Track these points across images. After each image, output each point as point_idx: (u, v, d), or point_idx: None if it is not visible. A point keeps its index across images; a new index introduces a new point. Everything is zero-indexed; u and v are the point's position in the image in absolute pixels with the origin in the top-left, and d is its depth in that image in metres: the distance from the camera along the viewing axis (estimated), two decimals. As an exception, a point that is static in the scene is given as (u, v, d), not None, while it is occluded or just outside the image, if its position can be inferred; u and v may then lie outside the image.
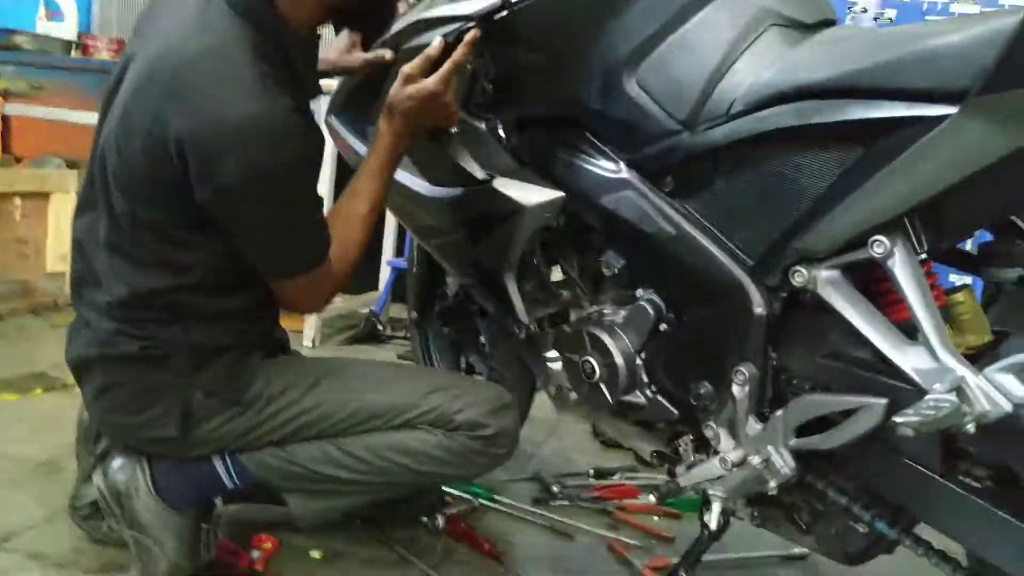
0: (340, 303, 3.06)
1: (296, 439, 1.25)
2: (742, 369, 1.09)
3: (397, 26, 1.38)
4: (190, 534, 1.27)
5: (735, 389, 1.10)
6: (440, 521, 1.55)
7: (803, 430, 1.03)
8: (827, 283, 0.99)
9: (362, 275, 3.31)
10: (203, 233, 1.15)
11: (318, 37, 1.29)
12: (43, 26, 3.38)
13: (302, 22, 1.17)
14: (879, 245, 0.93)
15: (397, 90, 1.23)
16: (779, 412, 1.06)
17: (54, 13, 3.37)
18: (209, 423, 1.22)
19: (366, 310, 3.17)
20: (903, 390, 0.92)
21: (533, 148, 1.29)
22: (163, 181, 1.10)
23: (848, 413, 0.97)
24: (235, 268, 1.19)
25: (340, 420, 1.24)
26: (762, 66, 1.05)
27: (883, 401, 0.93)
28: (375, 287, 3.31)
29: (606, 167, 1.20)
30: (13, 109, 3.18)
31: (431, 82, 1.21)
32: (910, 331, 0.94)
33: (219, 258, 1.18)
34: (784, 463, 1.06)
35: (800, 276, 1.01)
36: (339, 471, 1.25)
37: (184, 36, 1.09)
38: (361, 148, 1.52)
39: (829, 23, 1.16)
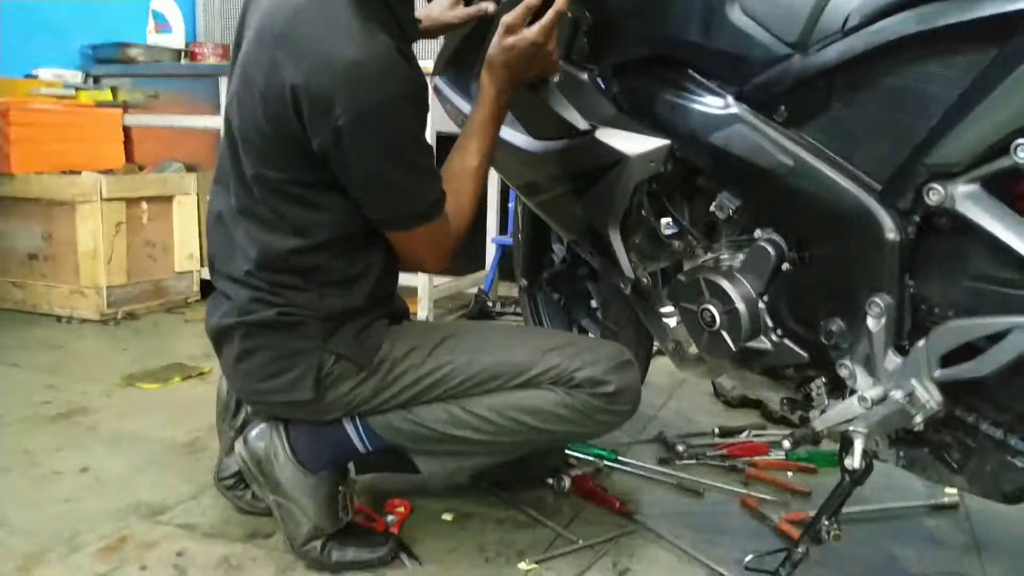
0: (449, 283, 3.10)
1: (421, 400, 1.28)
2: (877, 300, 1.03)
3: None
4: (328, 496, 1.30)
5: (870, 322, 1.04)
6: (566, 482, 1.55)
7: (948, 359, 0.97)
8: (966, 198, 0.92)
9: (468, 254, 3.35)
10: (327, 192, 1.18)
11: None
12: (153, 38, 3.55)
13: None
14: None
15: (498, 41, 1.22)
16: (920, 342, 0.99)
17: (162, 25, 3.54)
18: (340, 387, 1.26)
19: (474, 289, 3.20)
20: (1061, 305, 0.85)
21: (635, 94, 1.26)
22: (283, 135, 1.13)
23: (998, 337, 0.91)
24: (361, 229, 1.22)
25: (463, 381, 1.26)
26: (879, -26, 0.98)
27: (1038, 319, 0.86)
28: (482, 266, 3.34)
29: (713, 103, 1.16)
30: (133, 119, 3.36)
31: (532, 32, 1.20)
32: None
33: (345, 218, 1.20)
34: (930, 396, 1.00)
35: (936, 194, 0.94)
36: (465, 431, 1.27)
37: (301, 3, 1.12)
38: (467, 107, 1.52)
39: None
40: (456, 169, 1.27)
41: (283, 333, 1.23)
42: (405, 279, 2.88)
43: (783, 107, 1.09)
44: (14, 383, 2.21)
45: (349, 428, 1.31)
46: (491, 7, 1.38)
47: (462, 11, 1.44)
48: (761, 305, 1.20)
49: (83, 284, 2.88)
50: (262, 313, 1.23)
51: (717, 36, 1.11)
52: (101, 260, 2.86)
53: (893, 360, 1.03)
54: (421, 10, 1.44)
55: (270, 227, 1.21)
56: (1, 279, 3.02)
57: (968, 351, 0.94)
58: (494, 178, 3.30)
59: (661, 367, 2.22)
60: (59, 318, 2.91)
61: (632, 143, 1.25)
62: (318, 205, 1.20)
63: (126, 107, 3.37)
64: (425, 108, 1.22)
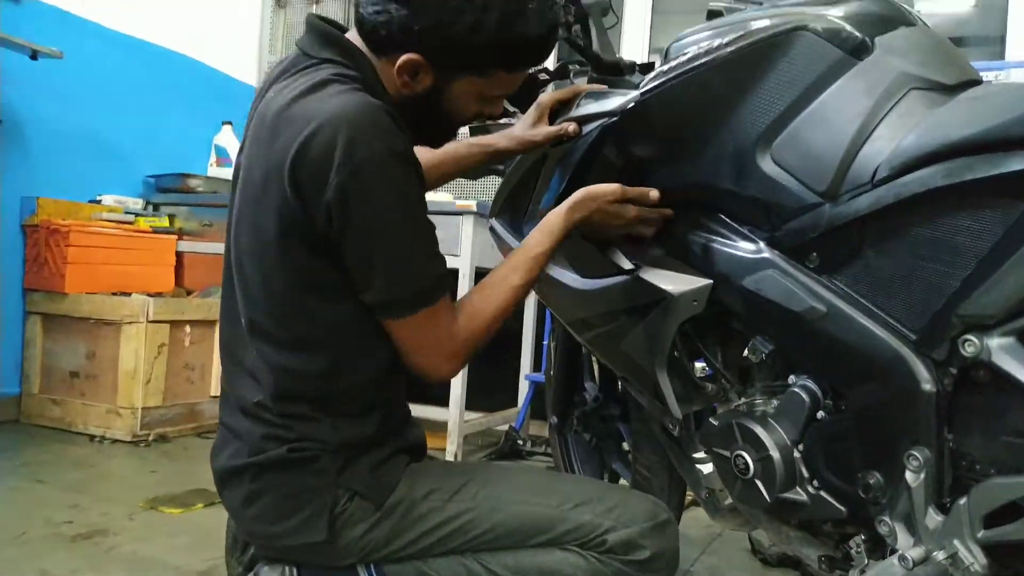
0: (480, 418, 3.08)
1: (438, 550, 1.21)
2: (915, 454, 0.99)
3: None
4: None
5: (909, 477, 1.00)
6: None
7: (992, 519, 0.92)
8: (1002, 351, 0.91)
9: (501, 391, 3.34)
10: (335, 301, 1.15)
11: None
12: (213, 171, 3.75)
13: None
14: (1060, 303, 0.85)
15: (600, 194, 1.26)
16: (962, 500, 0.95)
17: (223, 160, 3.74)
18: (354, 529, 1.20)
19: (506, 426, 3.16)
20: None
21: (669, 235, 1.28)
22: (285, 225, 1.10)
23: (1046, 497, 0.87)
24: (366, 347, 1.19)
25: (484, 532, 1.19)
26: (906, 129, 1.01)
27: (1086, 479, 0.82)
28: (514, 403, 3.31)
29: (745, 248, 1.17)
30: (186, 246, 3.50)
31: (632, 212, 1.26)
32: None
33: (348, 329, 1.17)
34: (974, 558, 0.94)
35: (971, 346, 0.93)
36: None
37: (292, 94, 1.12)
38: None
39: (973, 83, 1.11)
40: (495, 279, 1.24)
41: (294, 471, 1.18)
42: (437, 414, 2.88)
43: (815, 253, 1.10)
44: (39, 500, 2.20)
45: (363, 575, 1.24)
46: (572, 128, 1.38)
47: (544, 131, 1.43)
48: (796, 454, 1.17)
49: (119, 404, 2.92)
50: (272, 452, 1.18)
51: (748, 184, 1.14)
52: (140, 381, 2.91)
53: (934, 518, 0.98)
54: (507, 131, 1.47)
55: (279, 345, 1.17)
56: (42, 396, 3.07)
57: (1013, 511, 0.90)
58: (530, 315, 3.33)
59: (695, 518, 2.14)
60: (92, 437, 2.93)
61: (675, 282, 1.25)
62: (325, 317, 1.16)
63: (181, 234, 3.52)
64: (420, 175, 1.15)
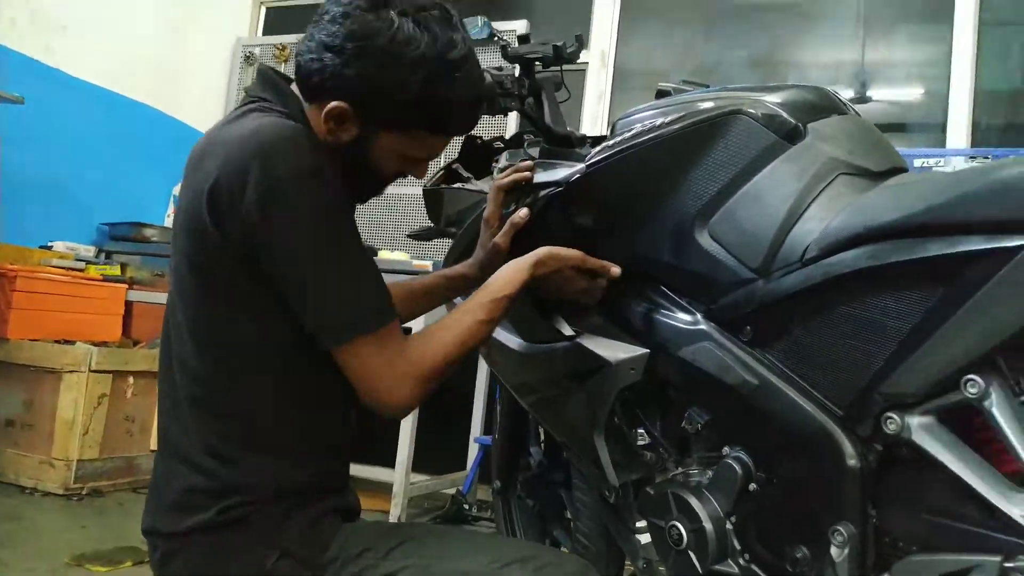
0: (426, 481, 3.03)
1: None
2: (840, 529, 1.01)
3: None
4: None
5: (833, 552, 1.01)
6: None
7: (913, 598, 0.94)
8: (923, 430, 0.94)
9: (449, 453, 3.31)
10: (246, 325, 1.12)
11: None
12: (170, 222, 3.73)
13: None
14: (972, 385, 0.88)
15: (557, 250, 1.25)
16: (884, 576, 0.97)
17: (182, 210, 3.73)
18: None
19: (453, 489, 3.12)
20: (1018, 544, 0.83)
21: (612, 304, 1.30)
22: (207, 249, 1.09)
23: (960, 574, 0.88)
24: (292, 381, 1.16)
25: None
26: (833, 212, 1.05)
27: (997, 558, 0.84)
28: (462, 466, 3.28)
29: (683, 319, 1.20)
30: (136, 295, 3.44)
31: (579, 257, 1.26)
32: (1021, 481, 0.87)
33: (269, 360, 1.14)
34: (895, 634, 0.95)
35: (893, 423, 0.96)
36: None
37: (215, 128, 1.17)
38: None
39: (899, 171, 1.17)
40: (457, 313, 1.20)
41: (225, 532, 1.14)
42: (381, 475, 2.84)
43: (749, 327, 1.13)
44: (-41, 554, 2.11)
45: None
46: (524, 213, 1.37)
47: (504, 242, 1.41)
48: (728, 526, 1.18)
49: (54, 455, 2.83)
50: (200, 514, 1.12)
51: (687, 257, 1.17)
52: (77, 432, 2.83)
53: (858, 593, 0.99)
54: (472, 260, 1.46)
55: (203, 379, 1.14)
56: (-26, 444, 2.96)
57: (932, 588, 0.91)
58: (482, 376, 3.33)
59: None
60: (23, 489, 2.83)
61: (614, 350, 1.27)
62: (247, 345, 1.13)
63: (131, 283, 3.47)
64: (345, 208, 1.12)
